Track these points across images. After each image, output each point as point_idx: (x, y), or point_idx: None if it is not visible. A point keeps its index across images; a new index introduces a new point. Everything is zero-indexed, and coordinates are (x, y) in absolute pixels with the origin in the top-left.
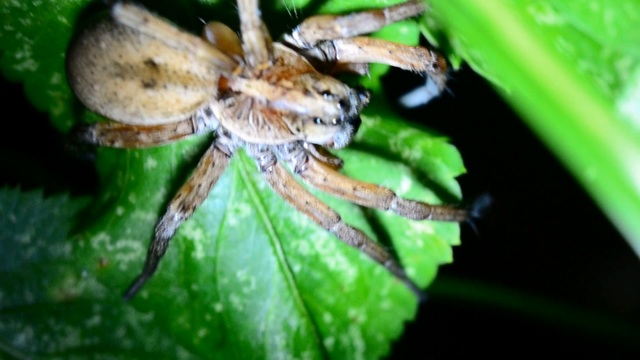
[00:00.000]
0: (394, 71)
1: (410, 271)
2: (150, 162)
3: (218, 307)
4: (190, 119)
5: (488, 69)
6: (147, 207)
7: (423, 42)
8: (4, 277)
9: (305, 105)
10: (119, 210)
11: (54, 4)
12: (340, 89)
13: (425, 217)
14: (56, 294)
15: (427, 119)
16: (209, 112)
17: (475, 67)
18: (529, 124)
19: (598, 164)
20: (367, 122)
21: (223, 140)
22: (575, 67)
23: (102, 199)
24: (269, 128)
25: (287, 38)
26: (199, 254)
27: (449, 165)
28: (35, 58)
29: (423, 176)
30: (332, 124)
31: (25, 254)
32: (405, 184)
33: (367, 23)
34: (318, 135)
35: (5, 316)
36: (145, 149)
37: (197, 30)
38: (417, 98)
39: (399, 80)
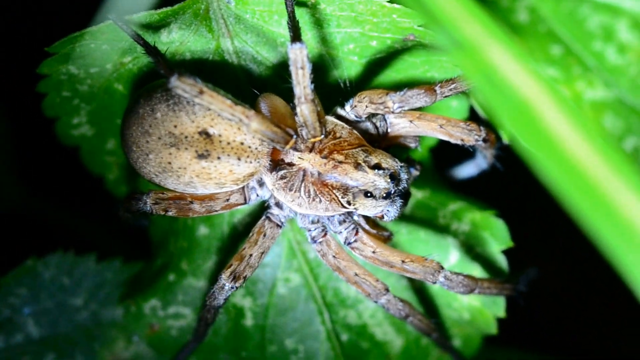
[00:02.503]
0: (443, 143)
1: (456, 342)
2: (203, 230)
3: None
4: (243, 189)
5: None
6: (199, 274)
7: (473, 115)
8: (56, 340)
9: (356, 178)
10: (171, 277)
11: (111, 71)
12: (391, 163)
13: (472, 291)
14: (107, 357)
15: (476, 191)
16: (261, 183)
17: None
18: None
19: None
20: (417, 194)
21: (275, 210)
22: (616, 149)
23: (155, 264)
24: (320, 200)
25: (340, 111)
26: (248, 321)
27: (496, 238)
28: (91, 124)
29: (471, 249)
30: (383, 197)
31: (77, 317)
32: (453, 257)
33: (418, 99)
34: (368, 208)
35: None
36: (198, 217)
37: (251, 101)
38: (466, 171)
39: (449, 152)
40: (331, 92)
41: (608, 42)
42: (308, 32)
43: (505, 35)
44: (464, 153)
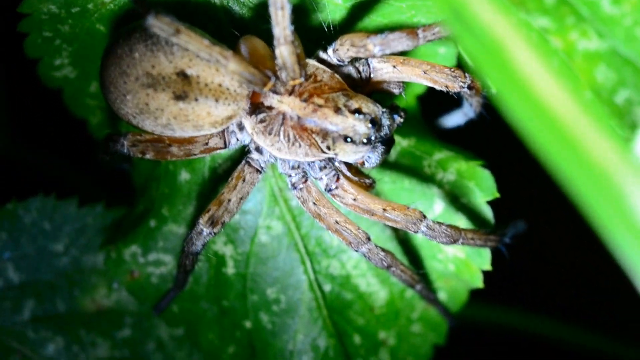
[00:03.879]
0: (432, 92)
1: (442, 295)
2: (184, 175)
3: (247, 324)
4: (223, 133)
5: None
6: (180, 221)
7: (462, 62)
8: (36, 286)
9: (335, 123)
10: (152, 223)
11: (92, 11)
12: (372, 108)
13: (455, 241)
14: (88, 304)
15: (463, 141)
16: (241, 127)
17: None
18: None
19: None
20: (402, 143)
21: (255, 155)
22: (583, 96)
23: (136, 210)
24: (300, 145)
25: (322, 54)
26: (229, 269)
27: (482, 189)
28: (73, 65)
29: (456, 199)
30: (363, 143)
31: (58, 263)
32: (438, 207)
33: (400, 42)
34: (348, 154)
35: (36, 325)
36: (179, 162)
37: (232, 43)
38: (453, 119)
39: (438, 101)
40: (315, 37)
41: None
42: None
43: None
44: (453, 102)
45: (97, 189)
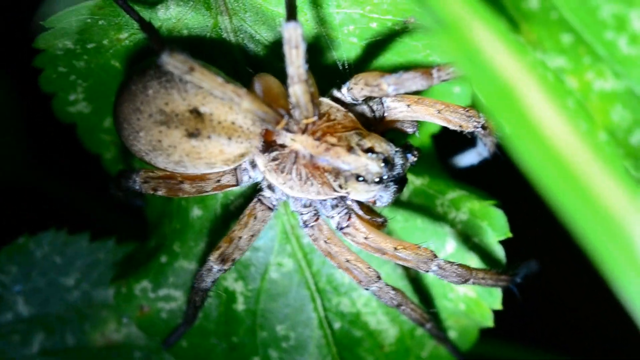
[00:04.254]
0: (446, 131)
1: (452, 334)
2: (196, 212)
3: None
4: (235, 170)
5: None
6: (191, 257)
7: (476, 102)
8: (46, 319)
9: (348, 162)
10: (163, 259)
11: (107, 47)
12: (385, 147)
13: (466, 280)
14: (97, 338)
15: (477, 181)
16: (253, 165)
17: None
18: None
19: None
20: (415, 181)
21: (267, 193)
22: (596, 139)
23: (148, 245)
24: (312, 183)
25: (336, 93)
26: (239, 305)
27: (494, 228)
28: (88, 101)
29: (468, 239)
30: (375, 182)
31: (68, 297)
32: (449, 246)
33: (414, 82)
34: (360, 192)
35: (45, 358)
36: (191, 198)
37: (247, 80)
38: (467, 159)
39: (452, 140)
40: (330, 75)
41: (620, 32)
42: (307, 12)
43: (489, 14)
44: (467, 141)
45: (111, 223)
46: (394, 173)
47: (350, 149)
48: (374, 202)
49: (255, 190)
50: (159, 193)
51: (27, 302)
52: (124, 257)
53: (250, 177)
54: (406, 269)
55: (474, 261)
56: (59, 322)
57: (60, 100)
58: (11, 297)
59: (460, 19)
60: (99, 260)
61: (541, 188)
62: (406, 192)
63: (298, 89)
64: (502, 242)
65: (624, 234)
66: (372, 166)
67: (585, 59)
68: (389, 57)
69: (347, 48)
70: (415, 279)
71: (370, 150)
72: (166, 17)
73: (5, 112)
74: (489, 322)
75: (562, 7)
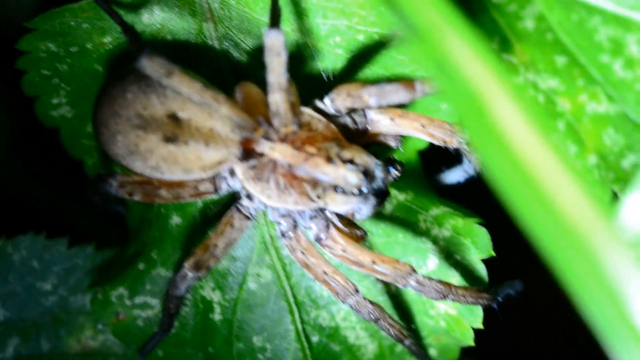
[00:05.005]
0: (434, 147)
1: (432, 352)
2: (175, 219)
3: None
4: (214, 178)
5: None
6: (169, 265)
7: None
8: (22, 324)
9: (327, 172)
10: (141, 266)
11: (91, 51)
12: (365, 159)
13: (444, 297)
14: (73, 345)
15: (464, 199)
16: (232, 173)
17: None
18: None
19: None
20: (399, 197)
21: (245, 202)
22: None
23: (127, 252)
24: (290, 193)
25: (319, 104)
26: (216, 315)
27: (477, 246)
28: (71, 105)
29: (450, 256)
30: (353, 194)
31: (45, 302)
32: (431, 263)
33: (396, 94)
34: (338, 204)
35: None
36: (171, 206)
37: (231, 89)
38: (453, 176)
39: (441, 157)
40: (315, 86)
41: (616, 56)
42: (293, 22)
43: (461, 22)
44: (455, 158)
45: (92, 229)
46: (374, 186)
47: (329, 160)
48: (353, 215)
49: (234, 199)
50: (136, 198)
51: (3, 306)
52: (102, 264)
53: (229, 186)
54: (387, 285)
55: (455, 279)
56: (34, 327)
57: (43, 104)
58: None
59: (431, 26)
60: (77, 266)
61: (507, 203)
62: (389, 207)
63: (278, 97)
64: (486, 262)
65: (593, 256)
66: (350, 177)
67: (579, 82)
68: (375, 70)
69: (332, 59)
70: (395, 295)
71: (349, 161)
72: (150, 22)
73: None
74: (470, 340)
75: (558, 29)
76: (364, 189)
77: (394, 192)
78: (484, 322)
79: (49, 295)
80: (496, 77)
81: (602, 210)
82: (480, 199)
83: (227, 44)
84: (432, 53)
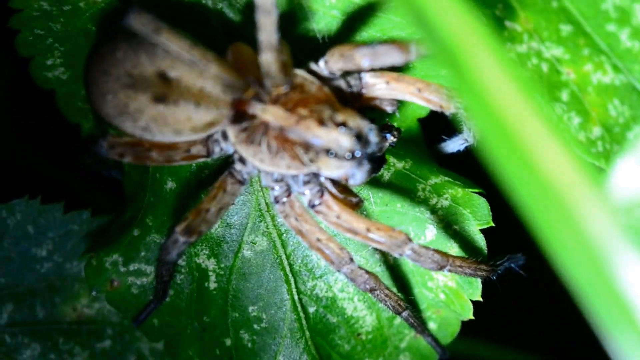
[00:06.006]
0: (434, 115)
1: (432, 325)
2: (170, 184)
3: (227, 341)
4: (206, 141)
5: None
6: (163, 231)
7: None
8: (16, 290)
9: (319, 135)
10: (135, 232)
11: (84, 10)
12: (359, 123)
13: (442, 267)
14: (68, 312)
15: (464, 168)
16: (225, 136)
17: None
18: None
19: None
20: (397, 164)
21: (238, 166)
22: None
23: (123, 218)
24: (282, 156)
25: (313, 66)
26: (211, 284)
27: (476, 217)
28: (65, 67)
29: (449, 226)
30: (346, 158)
31: (40, 268)
32: (429, 232)
33: (389, 55)
34: (331, 168)
35: (13, 330)
36: (166, 170)
37: (224, 50)
38: (453, 145)
39: (443, 125)
40: (310, 48)
41: (623, 25)
42: None
43: None
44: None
45: (88, 195)
46: (368, 150)
47: (321, 122)
48: (347, 180)
49: (227, 163)
50: (126, 160)
51: None
52: (97, 229)
53: (221, 149)
54: (385, 255)
55: (454, 249)
56: (29, 293)
57: (38, 64)
58: None
59: None
60: (73, 232)
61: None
62: (387, 175)
63: (269, 57)
64: (486, 233)
65: (577, 219)
66: (343, 141)
67: (585, 51)
68: (372, 34)
69: (328, 21)
70: (393, 267)
71: (342, 124)
72: None
73: None
74: (469, 313)
75: None
76: (357, 153)
77: (392, 159)
78: (483, 295)
79: (44, 261)
80: (480, 38)
81: (590, 175)
82: (480, 169)
83: (221, 4)
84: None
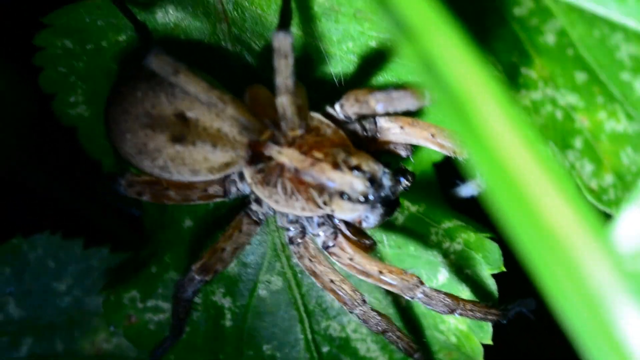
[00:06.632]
0: (450, 160)
1: None
2: (187, 223)
3: None
4: (223, 181)
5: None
6: (181, 268)
7: None
8: (37, 323)
9: (333, 178)
10: (154, 269)
11: (106, 49)
12: (373, 167)
13: (452, 311)
14: (87, 347)
15: (476, 212)
16: (242, 177)
17: None
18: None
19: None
20: (411, 208)
21: (254, 206)
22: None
23: (141, 255)
24: (297, 198)
25: (329, 109)
26: (227, 322)
27: (488, 261)
28: (87, 104)
29: (461, 270)
30: (360, 201)
31: (60, 303)
32: (441, 276)
33: (404, 100)
34: (344, 211)
35: None
36: (184, 209)
37: (242, 92)
38: (467, 190)
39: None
40: (327, 91)
41: (637, 74)
42: (305, 26)
43: (449, 22)
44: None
45: (109, 230)
46: (382, 194)
47: (335, 165)
48: (361, 223)
49: (243, 203)
50: (144, 198)
51: (19, 305)
52: (116, 266)
53: (238, 189)
54: (397, 297)
55: (465, 293)
56: (49, 327)
57: (61, 102)
58: (2, 298)
59: (418, 25)
60: (93, 267)
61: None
62: (401, 218)
63: (285, 100)
64: (497, 278)
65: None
66: (356, 184)
67: (599, 99)
68: (387, 78)
69: (345, 65)
70: (405, 308)
71: (356, 167)
72: (164, 21)
73: (7, 108)
74: (480, 356)
75: (580, 45)
76: (371, 197)
77: (406, 203)
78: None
79: (64, 295)
80: (484, 84)
81: (594, 225)
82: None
83: (240, 46)
84: (417, 50)
